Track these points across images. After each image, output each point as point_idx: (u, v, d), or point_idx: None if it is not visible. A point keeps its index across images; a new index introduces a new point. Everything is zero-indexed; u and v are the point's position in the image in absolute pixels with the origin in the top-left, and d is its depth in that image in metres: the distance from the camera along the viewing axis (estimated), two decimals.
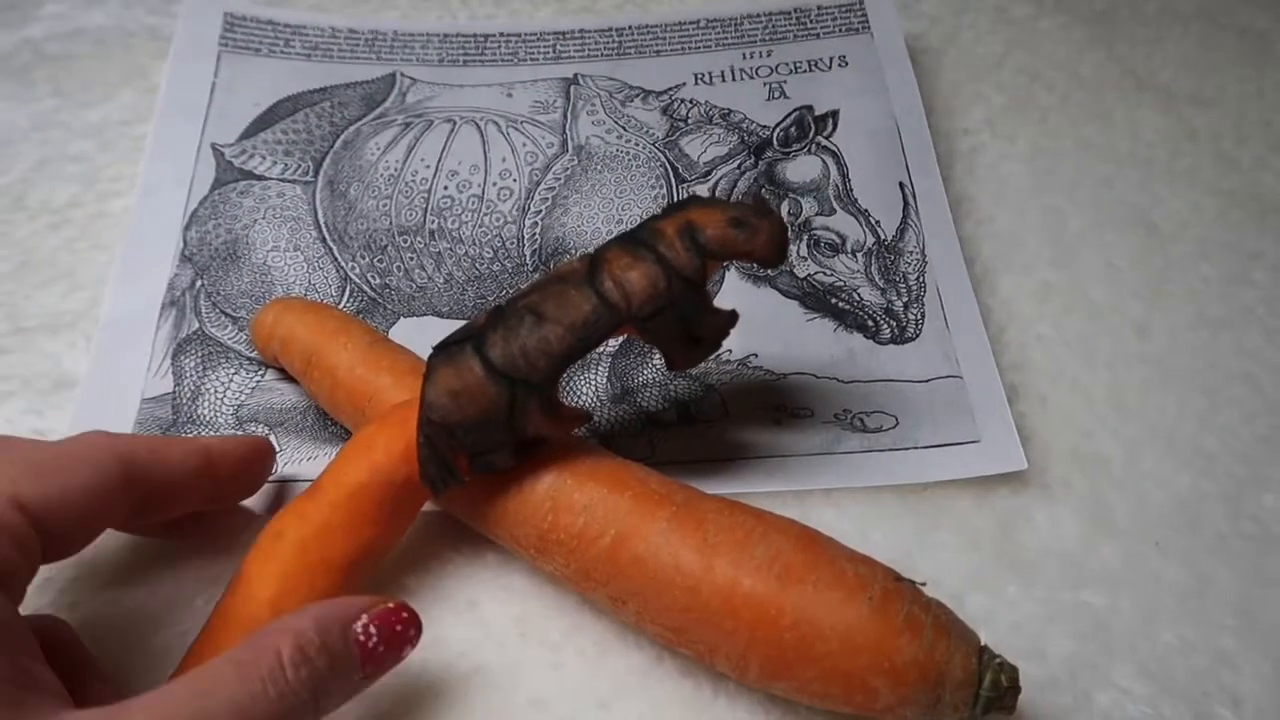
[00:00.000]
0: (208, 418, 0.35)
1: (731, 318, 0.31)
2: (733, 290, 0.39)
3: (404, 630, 0.27)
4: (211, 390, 0.36)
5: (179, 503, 0.29)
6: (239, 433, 0.35)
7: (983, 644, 0.27)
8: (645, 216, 0.40)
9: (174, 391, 0.35)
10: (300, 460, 0.34)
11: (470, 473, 0.29)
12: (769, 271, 0.39)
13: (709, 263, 0.29)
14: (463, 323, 0.37)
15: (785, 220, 0.29)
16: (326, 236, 0.39)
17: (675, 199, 0.41)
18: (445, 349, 0.28)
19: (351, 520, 0.29)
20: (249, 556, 0.29)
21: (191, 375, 0.36)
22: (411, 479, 0.29)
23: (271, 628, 0.25)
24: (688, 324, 0.30)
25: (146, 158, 0.41)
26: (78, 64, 0.45)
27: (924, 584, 0.28)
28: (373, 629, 0.26)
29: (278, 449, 0.34)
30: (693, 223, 0.29)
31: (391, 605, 0.27)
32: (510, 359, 0.28)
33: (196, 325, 0.37)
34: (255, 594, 0.28)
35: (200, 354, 0.36)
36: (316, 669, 0.24)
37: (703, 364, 0.36)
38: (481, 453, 0.29)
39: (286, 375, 0.36)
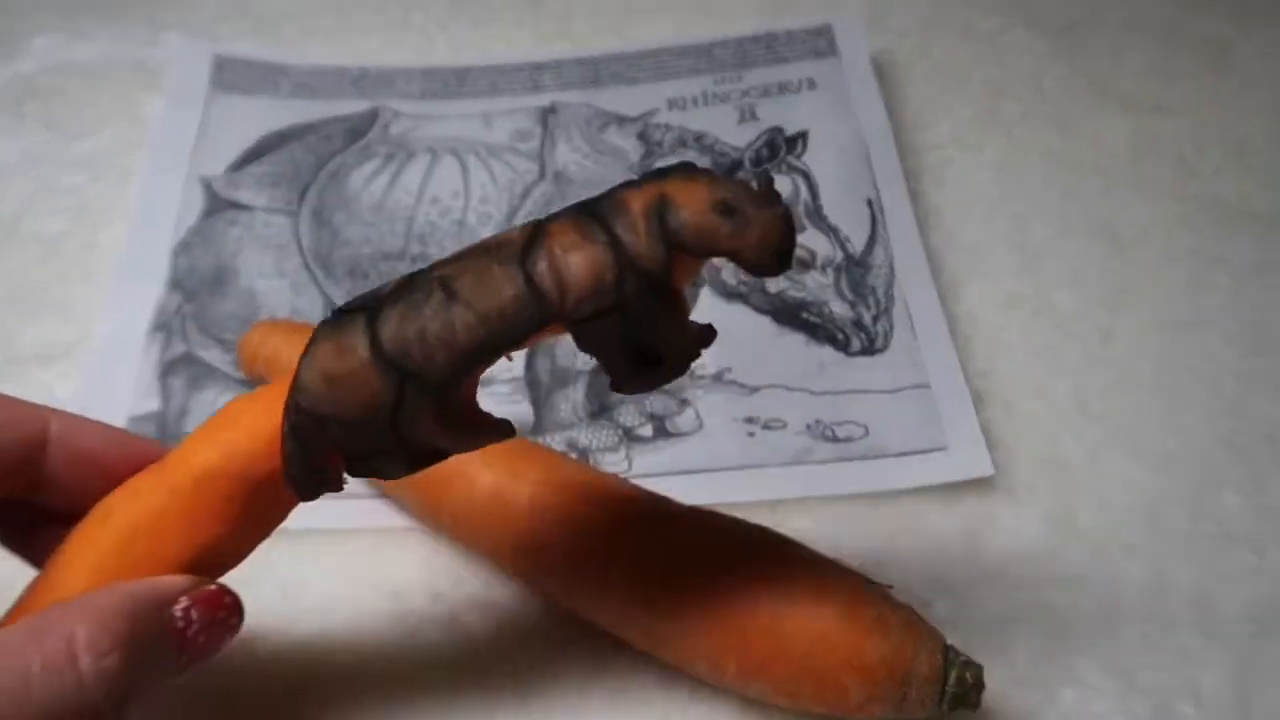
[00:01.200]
0: None
1: (703, 334, 0.24)
2: (705, 306, 0.40)
3: (227, 617, 0.23)
4: (199, 409, 0.37)
5: None
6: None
7: (948, 643, 0.28)
8: None
9: (161, 410, 0.37)
10: None
11: (350, 476, 0.24)
12: (743, 287, 0.40)
13: (680, 257, 0.22)
14: None
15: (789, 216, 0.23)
16: (311, 263, 0.41)
17: None
18: (338, 315, 0.23)
19: (193, 513, 0.23)
20: (72, 535, 0.24)
21: (179, 395, 0.37)
22: (276, 472, 0.23)
23: (67, 605, 0.21)
24: (642, 335, 0.23)
25: (138, 190, 0.43)
26: (67, 97, 0.47)
27: (891, 587, 0.29)
28: (194, 614, 0.22)
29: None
30: (667, 199, 0.22)
31: (214, 588, 0.23)
32: (403, 344, 0.22)
33: (184, 348, 0.38)
34: (62, 585, 0.23)
35: (188, 374, 0.38)
36: (123, 659, 0.20)
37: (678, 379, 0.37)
38: (360, 456, 0.23)
39: None
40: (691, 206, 0.22)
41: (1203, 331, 0.39)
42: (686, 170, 0.23)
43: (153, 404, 0.37)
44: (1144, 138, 0.45)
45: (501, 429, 0.25)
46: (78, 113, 0.46)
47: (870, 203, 0.42)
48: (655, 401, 0.37)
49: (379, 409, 0.22)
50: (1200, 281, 0.41)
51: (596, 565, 0.29)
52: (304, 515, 0.34)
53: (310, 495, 0.24)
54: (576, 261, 0.22)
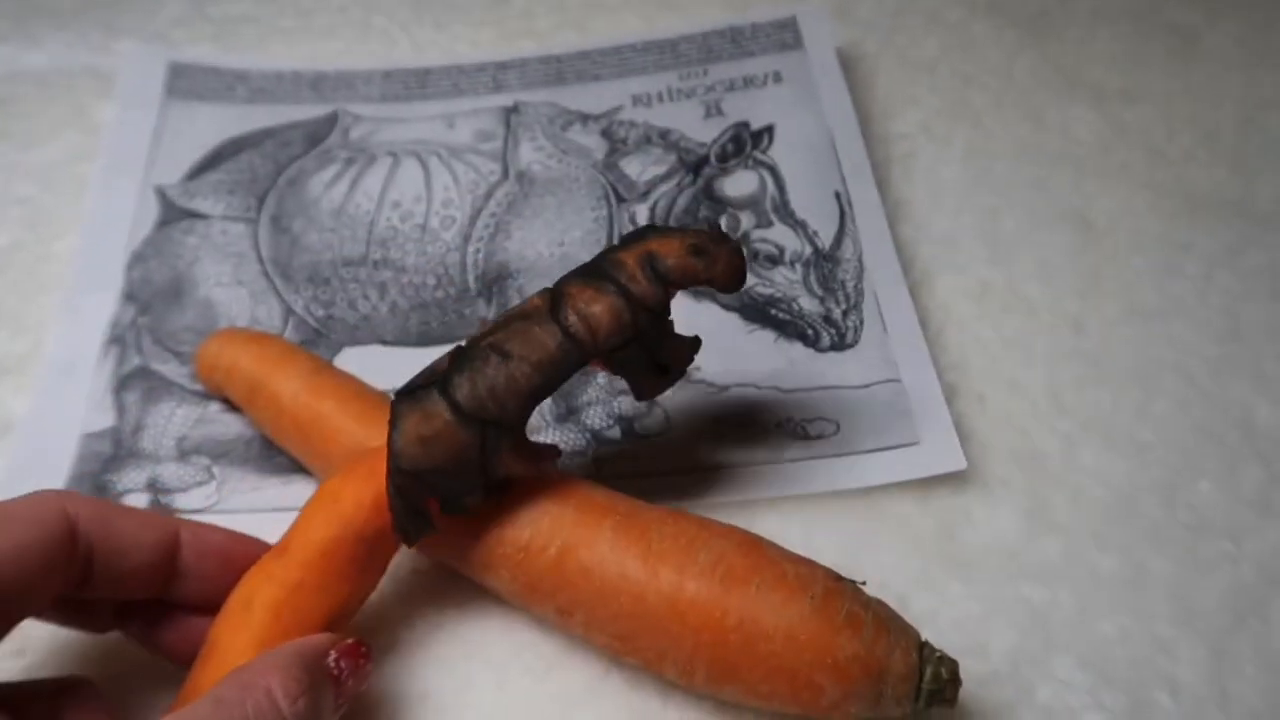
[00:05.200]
0: (150, 451, 0.35)
1: (694, 344, 0.31)
2: (674, 305, 0.39)
3: (364, 663, 0.28)
4: (154, 424, 0.36)
5: (130, 582, 0.28)
6: (184, 466, 0.35)
7: (923, 639, 0.28)
8: (586, 237, 0.41)
9: (115, 426, 0.36)
10: (245, 491, 0.34)
11: (442, 517, 0.29)
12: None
13: (670, 290, 0.29)
14: (407, 350, 0.38)
15: (741, 246, 0.30)
16: (270, 271, 0.40)
17: (616, 220, 0.41)
18: (410, 394, 0.28)
19: (325, 579, 0.28)
20: (217, 626, 0.28)
21: (134, 410, 0.36)
22: (382, 530, 0.28)
23: (255, 663, 0.25)
24: (653, 353, 0.30)
25: (90, 200, 0.42)
26: (19, 106, 0.46)
27: (864, 583, 0.29)
28: (343, 663, 0.27)
29: (216, 479, 0.35)
30: (652, 252, 0.29)
31: (350, 641, 0.28)
32: (479, 400, 0.27)
33: (139, 361, 0.37)
34: (230, 664, 0.27)
35: (143, 389, 0.37)
36: (313, 701, 0.25)
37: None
38: (452, 497, 0.28)
39: (232, 406, 0.36)
40: (673, 254, 0.29)
41: (1174, 319, 0.39)
42: (658, 229, 0.30)
43: (107, 420, 0.36)
44: (1113, 126, 0.45)
45: (554, 451, 0.31)
46: (29, 121, 0.45)
47: (838, 196, 0.41)
48: (623, 403, 0.36)
49: (469, 454, 0.28)
50: (1171, 269, 0.40)
51: (562, 569, 0.29)
52: None
53: (414, 540, 0.29)
54: (599, 311, 0.28)
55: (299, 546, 0.28)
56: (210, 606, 0.29)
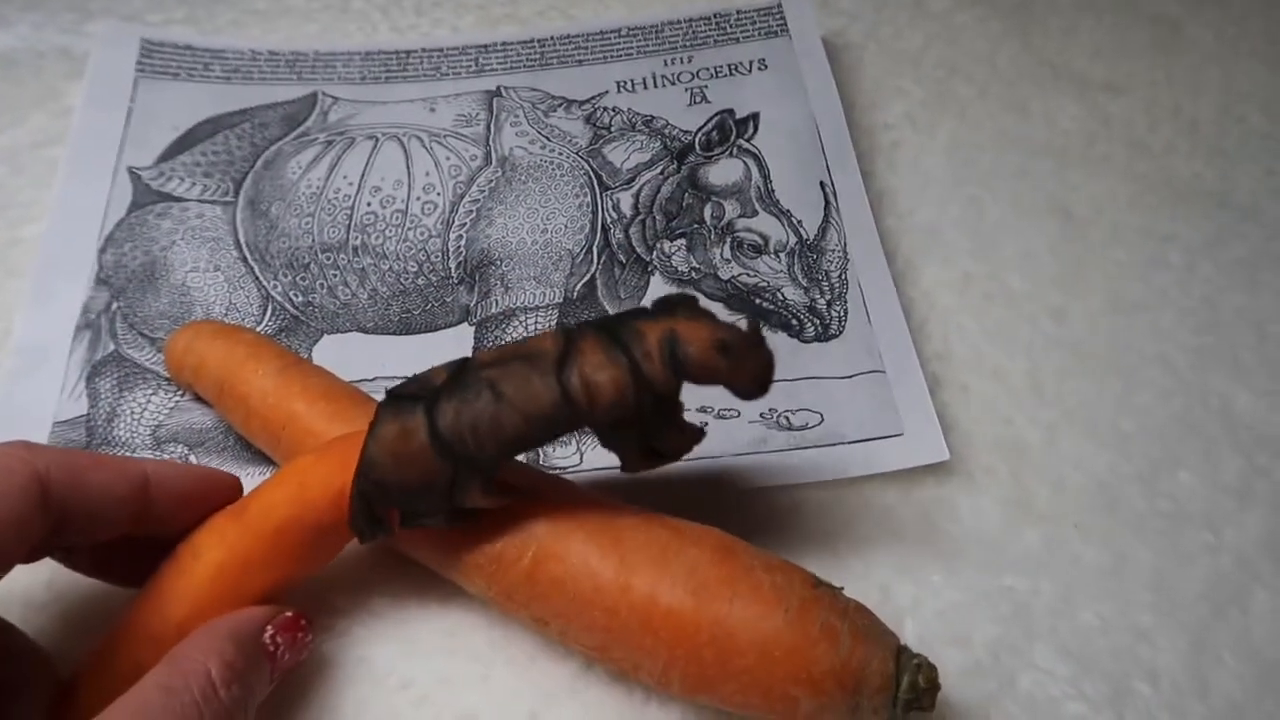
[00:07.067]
0: (124, 439, 0.35)
1: (697, 435, 0.30)
2: (657, 293, 0.39)
3: (303, 636, 0.29)
4: (128, 412, 0.35)
5: (103, 528, 0.28)
6: (159, 455, 0.34)
7: (901, 644, 0.27)
8: (569, 224, 0.40)
9: (88, 414, 0.35)
10: None
11: (400, 527, 0.28)
12: (695, 273, 0.39)
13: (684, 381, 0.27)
14: (388, 338, 0.38)
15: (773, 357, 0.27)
16: (247, 256, 0.39)
17: (599, 207, 0.41)
18: (397, 401, 0.27)
19: (273, 556, 0.28)
20: (164, 567, 0.28)
21: (107, 397, 0.35)
22: (341, 521, 0.28)
23: (192, 646, 0.26)
24: (650, 435, 0.28)
25: (60, 182, 0.41)
26: None
27: (842, 588, 0.28)
28: (279, 638, 0.28)
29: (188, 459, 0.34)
30: (677, 335, 0.27)
31: (290, 614, 0.28)
32: (459, 433, 0.26)
33: (112, 347, 0.37)
34: (165, 613, 0.27)
35: (117, 375, 0.36)
36: (245, 684, 0.26)
37: None
38: (413, 514, 0.28)
39: None
40: (697, 344, 0.27)
41: (1156, 310, 0.39)
42: (692, 308, 0.28)
43: (80, 407, 0.35)
44: (1096, 117, 0.45)
45: (520, 492, 0.29)
46: None
47: (823, 185, 0.41)
48: None
49: (438, 482, 0.27)
50: (1153, 260, 0.40)
51: (535, 581, 0.28)
52: None
53: (366, 540, 0.28)
54: (604, 381, 0.26)
55: (256, 517, 0.28)
56: (172, 540, 0.29)
